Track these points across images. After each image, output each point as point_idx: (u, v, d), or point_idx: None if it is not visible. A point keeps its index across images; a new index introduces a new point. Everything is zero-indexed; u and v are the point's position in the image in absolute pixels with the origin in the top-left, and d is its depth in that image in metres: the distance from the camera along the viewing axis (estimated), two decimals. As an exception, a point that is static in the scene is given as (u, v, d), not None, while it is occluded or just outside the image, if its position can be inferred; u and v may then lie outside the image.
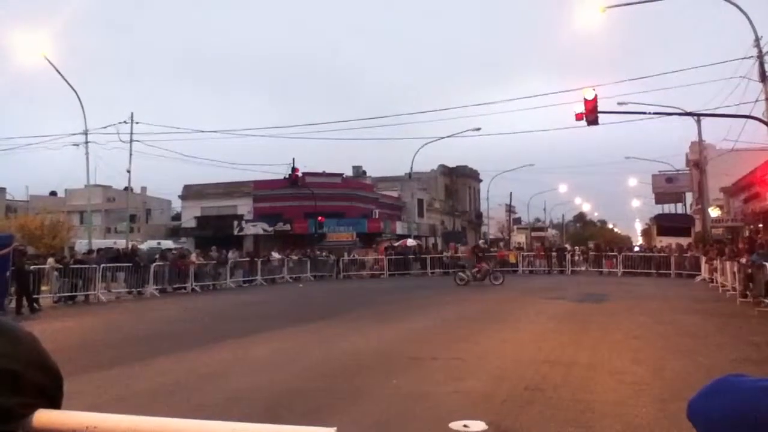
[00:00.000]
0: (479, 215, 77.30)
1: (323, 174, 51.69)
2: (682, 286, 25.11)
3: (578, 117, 20.62)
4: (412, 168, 50.25)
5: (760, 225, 30.84)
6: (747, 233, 32.12)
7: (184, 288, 25.87)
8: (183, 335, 12.94)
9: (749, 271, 17.41)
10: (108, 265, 23.38)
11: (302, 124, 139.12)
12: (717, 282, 23.07)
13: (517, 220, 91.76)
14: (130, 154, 33.03)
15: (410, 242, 43.26)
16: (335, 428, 1.52)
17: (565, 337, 11.72)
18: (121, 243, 34.35)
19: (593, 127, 21.16)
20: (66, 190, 58.09)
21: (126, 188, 37.08)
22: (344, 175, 56.59)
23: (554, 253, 39.76)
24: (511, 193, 76.85)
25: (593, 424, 5.88)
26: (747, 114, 22.16)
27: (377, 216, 54.04)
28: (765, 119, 20.63)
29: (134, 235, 44.45)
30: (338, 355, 10.08)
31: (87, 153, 31.37)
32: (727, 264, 20.88)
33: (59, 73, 28.85)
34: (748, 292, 17.52)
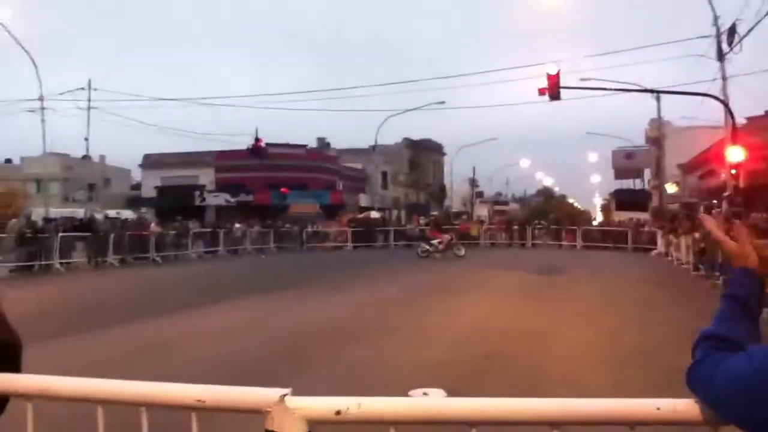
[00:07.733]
0: (443, 188, 77.67)
1: (287, 145, 51.19)
2: (639, 260, 25.73)
3: (541, 92, 20.84)
4: (376, 140, 50.09)
5: (714, 201, 31.62)
6: (702, 209, 32.91)
7: (145, 258, 25.53)
8: (142, 305, 12.81)
9: (702, 245, 17.91)
10: (67, 234, 22.91)
11: (266, 93, 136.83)
12: (672, 256, 23.67)
13: (480, 194, 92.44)
14: (88, 122, 32.34)
15: (374, 214, 43.31)
16: (290, 389, 1.55)
17: (524, 307, 11.97)
18: (79, 212, 33.66)
19: (557, 103, 21.40)
20: (22, 157, 56.48)
21: (84, 157, 36.27)
22: (308, 147, 56.14)
23: (516, 227, 40.21)
24: (474, 167, 77.39)
25: (549, 391, 6.03)
26: (704, 92, 22.63)
27: (341, 188, 53.92)
28: (721, 97, 21.09)
29: (93, 205, 43.59)
30: (299, 325, 10.11)
31: (43, 120, 30.51)
32: (682, 238, 21.42)
33: (12, 35, 27.93)
34: (700, 266, 18.05)
